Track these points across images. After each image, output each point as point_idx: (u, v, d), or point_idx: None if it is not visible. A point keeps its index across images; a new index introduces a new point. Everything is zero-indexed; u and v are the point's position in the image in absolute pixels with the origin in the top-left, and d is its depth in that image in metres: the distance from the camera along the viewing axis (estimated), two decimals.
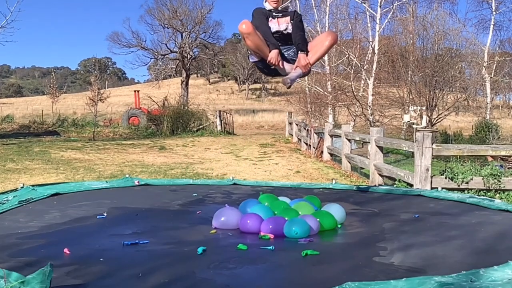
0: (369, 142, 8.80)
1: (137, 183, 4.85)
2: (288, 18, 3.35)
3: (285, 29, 3.31)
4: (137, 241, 2.62)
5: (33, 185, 4.37)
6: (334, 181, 5.26)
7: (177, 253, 2.45)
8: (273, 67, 3.23)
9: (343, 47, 17.79)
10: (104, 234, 2.81)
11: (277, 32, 3.30)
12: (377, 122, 16.83)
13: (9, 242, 2.48)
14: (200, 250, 2.45)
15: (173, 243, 2.65)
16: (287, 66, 3.26)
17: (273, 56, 3.15)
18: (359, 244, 2.76)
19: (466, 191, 6.15)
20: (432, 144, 6.39)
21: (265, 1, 3.41)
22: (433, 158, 6.48)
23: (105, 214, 3.33)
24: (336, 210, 3.18)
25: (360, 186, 5.07)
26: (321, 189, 4.63)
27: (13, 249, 2.29)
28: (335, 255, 2.57)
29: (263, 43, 3.17)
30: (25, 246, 2.38)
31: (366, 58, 17.65)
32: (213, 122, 24.31)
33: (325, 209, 3.21)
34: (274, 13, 3.34)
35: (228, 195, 4.21)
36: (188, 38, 39.13)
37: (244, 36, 3.14)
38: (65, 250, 2.39)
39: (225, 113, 25.66)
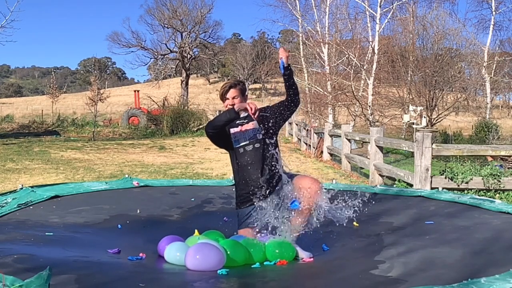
0: (369, 142, 8.79)
1: (136, 184, 4.77)
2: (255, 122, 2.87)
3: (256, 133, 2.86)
4: (140, 256, 2.65)
5: (32, 186, 4.32)
6: (334, 181, 5.25)
7: (178, 267, 2.48)
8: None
9: (343, 47, 17.79)
10: (104, 245, 2.80)
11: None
12: (377, 122, 16.83)
13: (7, 248, 2.45)
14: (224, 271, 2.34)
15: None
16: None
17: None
18: (358, 253, 2.76)
19: (466, 191, 6.14)
20: (432, 144, 6.39)
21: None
22: (433, 158, 6.47)
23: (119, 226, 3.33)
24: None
25: (359, 187, 5.06)
26: None
27: (11, 256, 2.26)
28: (333, 266, 2.58)
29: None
30: (24, 253, 2.35)
31: (366, 58, 17.65)
32: None
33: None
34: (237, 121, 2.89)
35: (227, 200, 4.16)
36: (188, 38, 39.13)
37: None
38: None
39: None
